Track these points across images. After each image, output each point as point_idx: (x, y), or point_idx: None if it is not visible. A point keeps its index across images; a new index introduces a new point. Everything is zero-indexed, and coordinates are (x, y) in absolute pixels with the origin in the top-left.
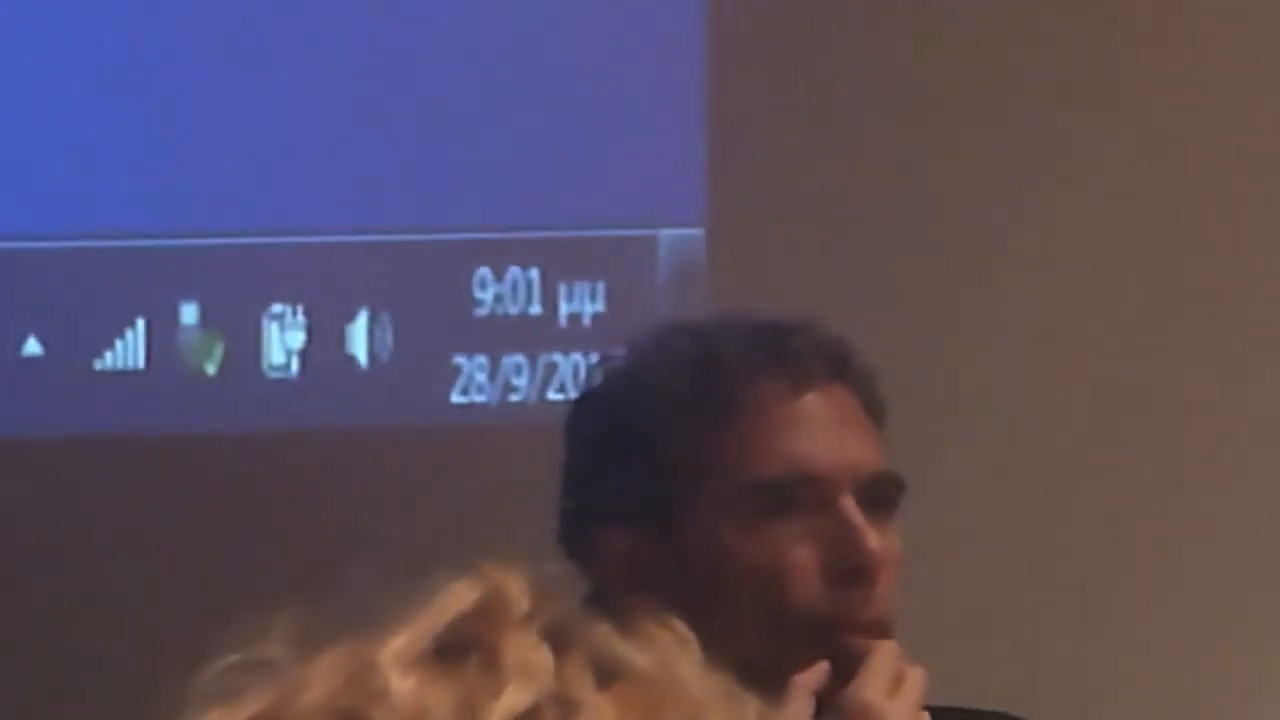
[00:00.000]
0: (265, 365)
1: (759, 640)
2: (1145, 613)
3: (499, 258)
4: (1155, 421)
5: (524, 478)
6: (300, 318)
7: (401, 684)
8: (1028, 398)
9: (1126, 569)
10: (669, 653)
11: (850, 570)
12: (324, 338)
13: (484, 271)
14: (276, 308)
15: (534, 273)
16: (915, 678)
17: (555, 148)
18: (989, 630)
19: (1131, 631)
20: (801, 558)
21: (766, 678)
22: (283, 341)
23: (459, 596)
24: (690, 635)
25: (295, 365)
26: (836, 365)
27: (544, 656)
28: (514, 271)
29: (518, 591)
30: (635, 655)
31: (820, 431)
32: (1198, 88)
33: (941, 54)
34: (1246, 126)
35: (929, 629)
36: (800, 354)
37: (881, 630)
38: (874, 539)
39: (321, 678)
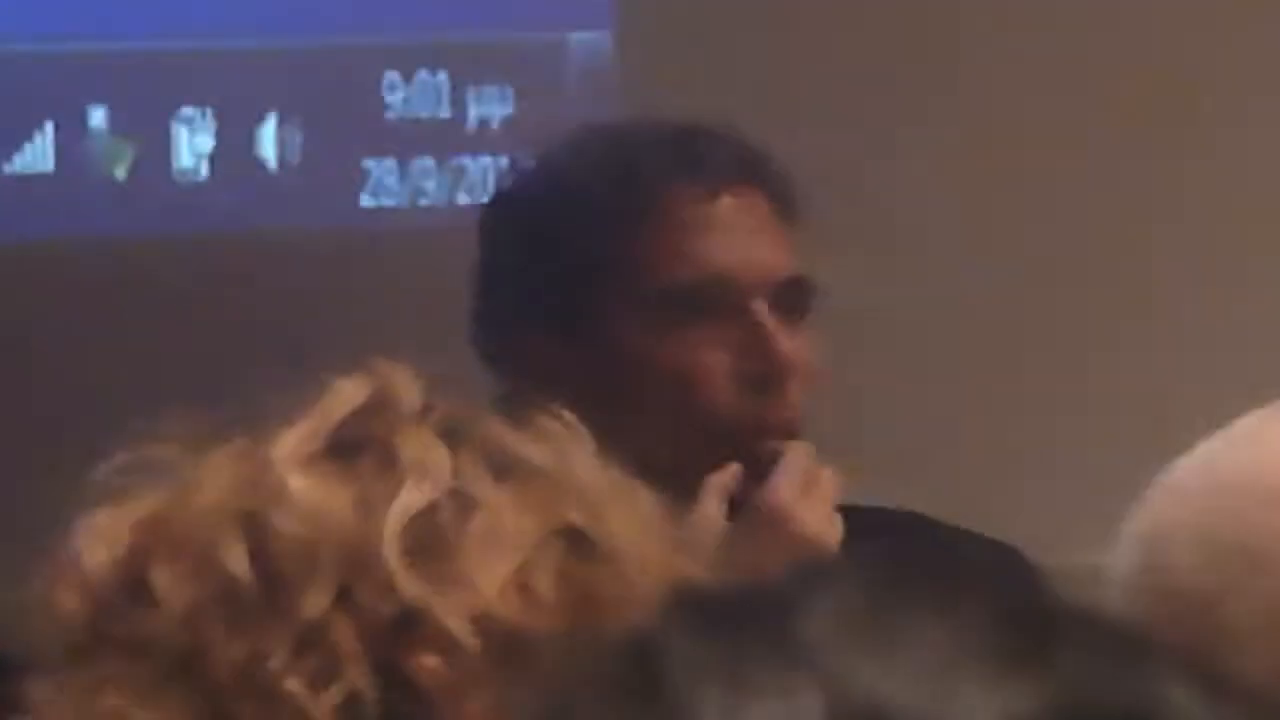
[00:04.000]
0: (175, 169)
1: (672, 443)
2: (1056, 415)
3: (408, 62)
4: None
5: (433, 281)
6: (210, 122)
7: (299, 483)
8: (938, 201)
9: (1035, 376)
10: (562, 446)
11: (761, 374)
12: (233, 141)
13: (393, 76)
14: (186, 111)
15: (443, 77)
16: (828, 479)
17: None
18: (904, 433)
19: (1056, 432)
20: (713, 361)
21: (680, 480)
22: (192, 145)
23: (348, 394)
24: (582, 428)
25: (205, 169)
26: (750, 169)
27: (440, 453)
28: (423, 75)
29: (407, 389)
30: (529, 449)
31: (733, 235)
32: None
33: None
34: None
35: (844, 431)
36: (714, 158)
37: (792, 433)
38: (785, 343)
39: (214, 478)
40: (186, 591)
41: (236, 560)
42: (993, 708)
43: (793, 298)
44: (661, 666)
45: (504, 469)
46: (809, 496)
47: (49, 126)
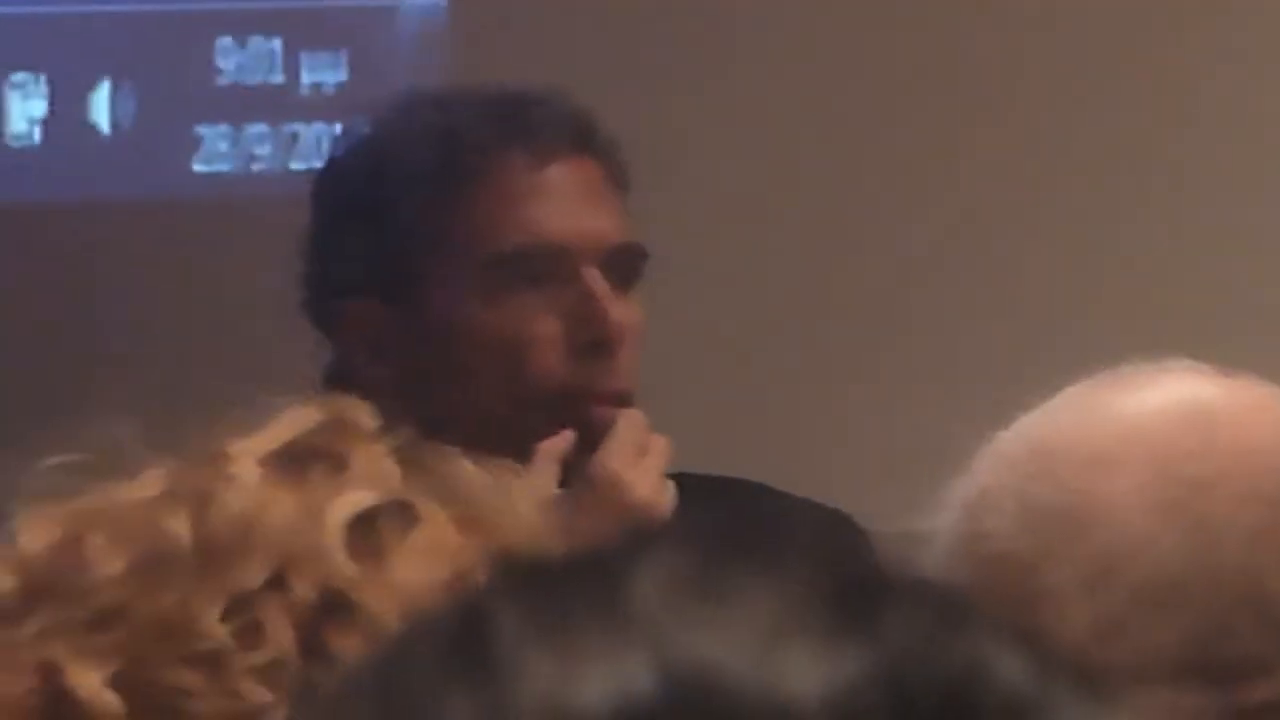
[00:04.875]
0: (7, 134)
1: (503, 411)
2: (895, 398)
3: (241, 27)
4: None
5: (266, 246)
6: (42, 86)
7: (251, 472)
8: (791, 175)
9: (864, 345)
10: (511, 489)
11: (593, 341)
12: (66, 107)
13: (226, 41)
14: (18, 76)
15: (276, 42)
16: (659, 446)
17: None
18: (736, 399)
19: (882, 410)
20: (544, 328)
21: (511, 447)
22: (24, 111)
23: (304, 415)
24: (534, 480)
25: (37, 134)
26: (581, 137)
27: (391, 468)
28: (256, 41)
29: (366, 416)
30: (478, 484)
31: (564, 203)
32: None
33: None
34: None
35: (679, 399)
36: (544, 125)
37: (624, 400)
38: (617, 309)
39: (156, 476)
40: (121, 553)
41: (178, 523)
42: (819, 674)
43: (624, 265)
44: (490, 635)
45: (451, 496)
46: (640, 464)
47: None
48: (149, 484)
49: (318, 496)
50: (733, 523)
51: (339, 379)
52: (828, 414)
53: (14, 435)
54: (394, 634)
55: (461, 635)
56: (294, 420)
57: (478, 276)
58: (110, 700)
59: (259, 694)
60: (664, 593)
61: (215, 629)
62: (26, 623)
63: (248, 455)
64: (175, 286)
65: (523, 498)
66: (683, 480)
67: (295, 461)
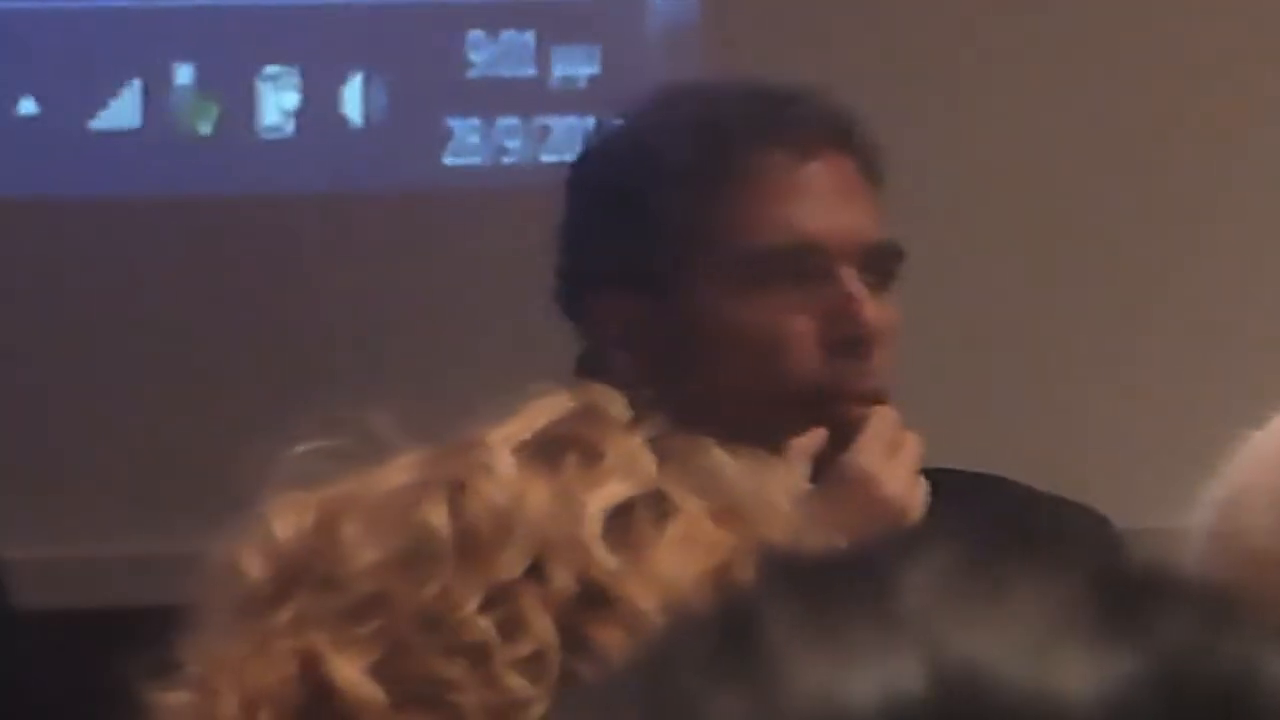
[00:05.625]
0: (260, 126)
1: (756, 406)
2: (1138, 389)
3: (493, 20)
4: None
5: (516, 239)
6: (295, 79)
7: (506, 460)
8: (1044, 172)
9: (1116, 342)
10: (768, 479)
11: (848, 339)
12: (318, 99)
13: (477, 34)
14: (271, 69)
15: (527, 35)
16: (912, 443)
17: None
18: (986, 398)
19: (1123, 405)
20: (800, 326)
21: (763, 444)
22: (277, 103)
23: (556, 403)
24: (793, 468)
25: (290, 126)
26: (839, 134)
27: (647, 458)
28: (508, 34)
29: (618, 405)
30: (735, 474)
31: (821, 201)
32: None
33: None
34: None
35: (927, 397)
36: (803, 122)
37: (878, 399)
38: (872, 309)
39: (407, 466)
40: (378, 542)
41: (436, 513)
42: (1093, 675)
43: (880, 263)
44: (759, 634)
45: (707, 487)
46: (894, 460)
47: (136, 83)
48: (400, 472)
49: (574, 486)
50: (998, 522)
51: (590, 371)
52: (1077, 411)
53: (263, 425)
54: (660, 632)
55: (730, 633)
56: (546, 409)
57: (734, 272)
58: (373, 690)
59: (522, 686)
60: (934, 592)
61: (478, 620)
62: (280, 610)
63: (502, 444)
64: (424, 277)
65: (778, 490)
66: (936, 477)
67: (548, 450)
